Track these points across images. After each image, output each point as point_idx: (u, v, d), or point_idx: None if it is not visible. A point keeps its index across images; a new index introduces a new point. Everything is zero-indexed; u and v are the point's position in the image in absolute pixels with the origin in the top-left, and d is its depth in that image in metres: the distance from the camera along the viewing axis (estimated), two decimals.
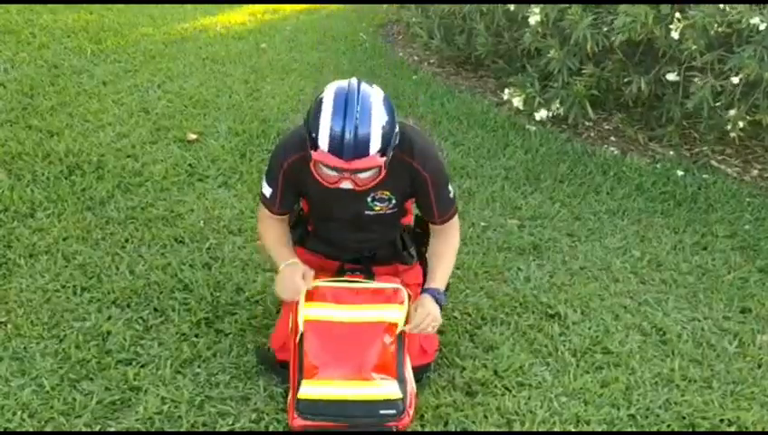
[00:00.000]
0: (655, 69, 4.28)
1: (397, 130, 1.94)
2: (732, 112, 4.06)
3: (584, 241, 3.25)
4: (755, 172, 4.18)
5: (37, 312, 2.52)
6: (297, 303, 2.12)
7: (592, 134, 4.56)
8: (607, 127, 4.67)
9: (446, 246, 2.24)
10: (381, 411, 1.98)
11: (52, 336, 2.41)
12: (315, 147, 1.90)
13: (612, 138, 4.54)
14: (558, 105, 4.52)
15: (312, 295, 2.06)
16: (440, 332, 2.48)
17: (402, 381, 2.04)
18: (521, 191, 3.65)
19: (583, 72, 4.43)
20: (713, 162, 4.24)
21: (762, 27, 3.76)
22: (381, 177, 1.97)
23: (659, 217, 3.52)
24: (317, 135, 1.89)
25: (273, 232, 2.23)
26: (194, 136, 3.97)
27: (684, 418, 2.22)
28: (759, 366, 2.48)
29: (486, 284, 2.86)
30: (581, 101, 4.51)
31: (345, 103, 1.86)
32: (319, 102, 1.92)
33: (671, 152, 4.33)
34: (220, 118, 4.22)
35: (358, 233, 2.26)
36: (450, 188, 2.21)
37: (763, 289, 2.97)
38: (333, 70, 5.17)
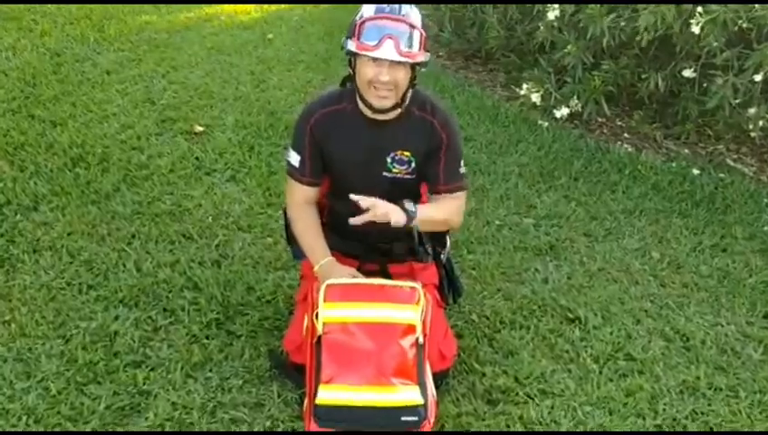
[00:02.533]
0: (671, 65, 4.19)
1: (428, 54, 2.00)
2: (752, 111, 3.98)
3: (601, 241, 3.18)
4: None
5: (42, 310, 2.44)
6: (313, 303, 2.04)
7: (605, 131, 4.47)
8: (620, 124, 4.58)
9: (441, 203, 2.17)
10: (403, 418, 1.91)
11: (58, 336, 2.33)
12: (360, 26, 1.93)
13: (626, 135, 4.45)
14: (576, 101, 4.43)
15: (329, 295, 1.98)
16: (458, 336, 2.41)
17: (423, 387, 1.97)
18: (535, 189, 3.57)
19: (602, 67, 4.35)
20: (728, 161, 4.16)
21: None
22: (419, 54, 1.95)
23: (677, 217, 3.44)
24: (361, 13, 1.96)
25: (303, 218, 2.19)
26: (200, 128, 3.87)
27: (711, 429, 2.15)
28: None
29: (503, 285, 2.79)
30: (597, 97, 4.42)
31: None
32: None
33: (686, 150, 4.25)
34: (227, 110, 4.13)
35: None
36: (462, 164, 2.19)
37: None
38: (341, 62, 5.07)
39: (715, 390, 2.32)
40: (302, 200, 2.18)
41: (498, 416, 2.13)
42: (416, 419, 1.91)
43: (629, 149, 4.19)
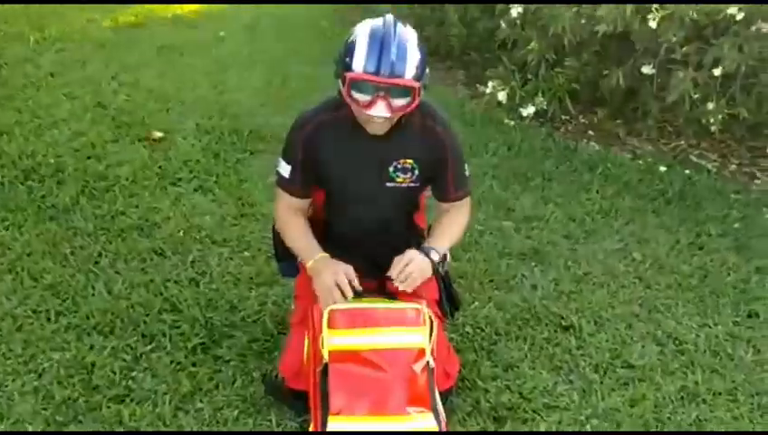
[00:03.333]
0: (630, 61, 4.22)
1: (427, 70, 1.89)
2: (710, 106, 4.04)
3: (583, 243, 3.16)
4: (733, 167, 4.18)
5: (8, 342, 2.24)
6: (316, 328, 1.93)
7: (571, 129, 4.48)
8: (584, 121, 4.59)
9: (453, 217, 2.12)
10: None
11: (30, 371, 2.14)
12: (350, 67, 1.81)
13: (590, 132, 4.47)
14: (542, 99, 4.42)
15: (334, 322, 1.86)
16: (457, 350, 2.33)
17: (436, 412, 1.88)
18: (510, 191, 3.53)
19: (565, 64, 4.34)
20: (692, 157, 4.22)
21: (739, 17, 3.75)
22: (413, 107, 1.86)
23: (652, 215, 3.46)
24: (353, 54, 1.81)
25: (295, 227, 2.05)
26: (159, 134, 3.68)
27: None
28: None
29: (494, 293, 2.72)
30: (561, 94, 4.42)
31: (383, 29, 1.81)
32: (353, 32, 1.86)
33: (650, 147, 4.29)
34: (185, 114, 3.94)
35: (374, 221, 2.10)
36: (466, 166, 2.13)
37: (765, 291, 2.93)
38: (301, 61, 4.93)
39: (714, 394, 2.32)
40: (292, 210, 2.06)
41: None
42: None
43: (596, 147, 4.20)
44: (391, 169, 2.01)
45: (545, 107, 4.38)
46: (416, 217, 2.20)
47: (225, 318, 2.42)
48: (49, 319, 2.35)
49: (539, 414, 2.16)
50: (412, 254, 1.96)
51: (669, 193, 3.67)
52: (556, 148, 4.05)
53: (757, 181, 4.05)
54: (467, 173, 2.12)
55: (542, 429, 2.08)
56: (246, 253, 2.82)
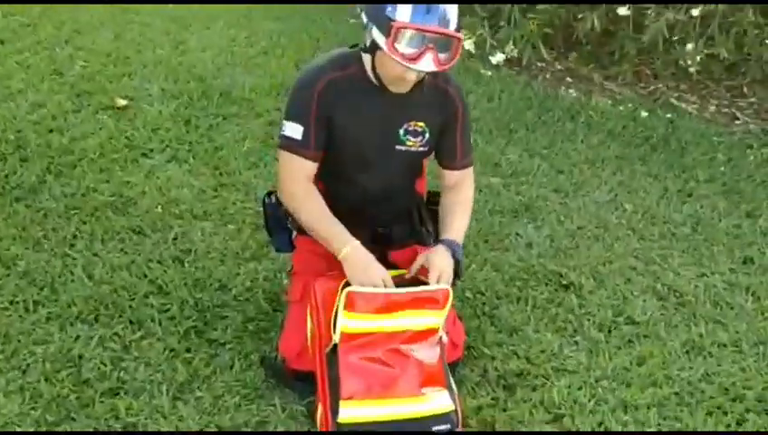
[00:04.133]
0: (605, 4, 4.12)
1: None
2: (689, 47, 3.98)
3: (573, 197, 3.10)
4: (713, 108, 4.15)
5: None
6: (320, 306, 1.83)
7: (548, 76, 4.39)
8: (560, 67, 4.50)
9: (462, 198, 2.04)
10: (435, 428, 1.75)
11: (13, 368, 2.00)
12: (393, 16, 1.68)
13: (568, 78, 4.38)
14: (512, 46, 4.30)
15: (351, 304, 1.76)
16: (459, 317, 2.26)
17: (450, 389, 1.82)
18: (495, 145, 3.43)
19: (537, 8, 4.21)
20: (672, 100, 4.17)
21: None
22: (455, 62, 1.76)
23: (638, 164, 3.41)
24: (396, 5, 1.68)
25: (315, 205, 1.89)
26: (123, 102, 3.47)
27: (727, 390, 2.12)
28: None
29: (489, 254, 2.65)
30: (534, 41, 4.31)
31: None
32: None
33: (629, 92, 4.23)
34: (149, 78, 3.72)
35: (379, 187, 1.98)
36: (471, 132, 2.06)
37: (756, 235, 2.92)
38: (265, 16, 4.70)
39: (719, 346, 2.30)
40: (306, 178, 1.90)
41: (519, 404, 2.01)
42: (447, 426, 1.76)
43: (575, 94, 4.12)
44: (401, 131, 1.90)
45: (516, 54, 4.26)
46: (417, 182, 2.09)
47: (216, 298, 2.31)
48: (27, 309, 2.20)
49: (548, 379, 2.11)
50: (440, 264, 1.85)
51: (654, 139, 3.62)
52: (536, 97, 3.96)
53: (738, 122, 4.03)
54: (471, 140, 2.03)
55: (554, 396, 2.03)
56: (230, 226, 2.68)
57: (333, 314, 1.75)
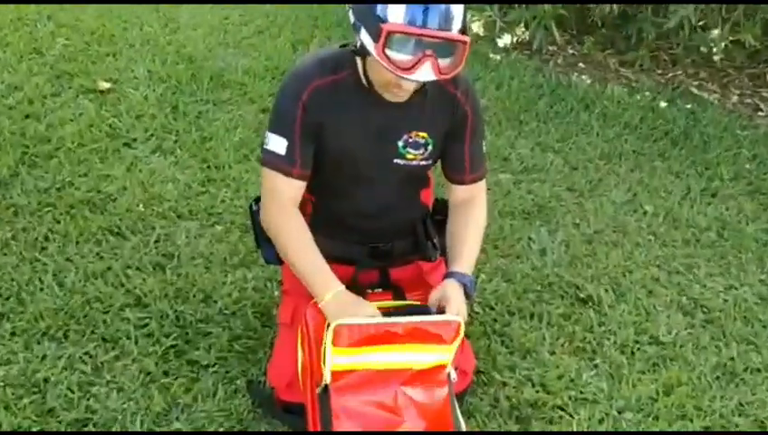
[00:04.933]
0: None
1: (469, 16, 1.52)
2: (715, 32, 3.73)
3: (588, 196, 2.87)
4: (735, 98, 3.91)
5: None
6: (311, 337, 1.61)
7: (560, 61, 4.13)
8: (572, 52, 4.24)
9: (473, 218, 1.78)
10: None
11: None
12: (384, 17, 1.43)
13: (581, 64, 4.13)
14: (523, 29, 4.04)
15: (340, 338, 1.53)
16: (467, 335, 2.04)
17: (459, 431, 1.61)
18: (505, 138, 3.20)
19: None
20: (692, 89, 3.93)
21: None
22: (459, 69, 1.51)
23: (658, 160, 3.18)
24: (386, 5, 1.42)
25: (296, 237, 1.64)
26: (107, 85, 3.23)
27: (763, 424, 1.92)
28: None
29: (500, 262, 2.44)
30: (547, 22, 4.04)
31: None
32: None
33: (644, 78, 3.98)
34: (135, 58, 3.47)
35: (376, 204, 1.76)
36: (484, 141, 1.80)
37: None
38: None
39: (752, 372, 2.10)
40: (290, 202, 1.66)
41: None
42: None
43: (589, 81, 3.88)
44: (401, 143, 1.66)
45: (527, 37, 4.01)
46: (422, 194, 1.86)
47: (199, 312, 2.09)
48: None
49: (565, 410, 1.91)
50: (454, 303, 1.61)
51: (674, 132, 3.39)
52: (548, 85, 3.70)
53: (761, 113, 3.79)
54: (485, 150, 1.79)
55: (573, 427, 1.83)
56: (218, 227, 2.46)
57: (323, 349, 1.53)
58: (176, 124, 2.99)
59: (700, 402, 1.97)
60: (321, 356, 1.56)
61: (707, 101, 3.77)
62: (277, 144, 1.63)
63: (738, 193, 3.00)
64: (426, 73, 1.45)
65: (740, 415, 1.95)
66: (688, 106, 3.66)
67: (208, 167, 2.77)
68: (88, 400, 1.81)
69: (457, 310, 1.58)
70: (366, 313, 1.54)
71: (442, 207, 1.88)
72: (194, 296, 2.14)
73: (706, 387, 2.02)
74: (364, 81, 1.61)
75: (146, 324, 2.03)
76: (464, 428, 1.63)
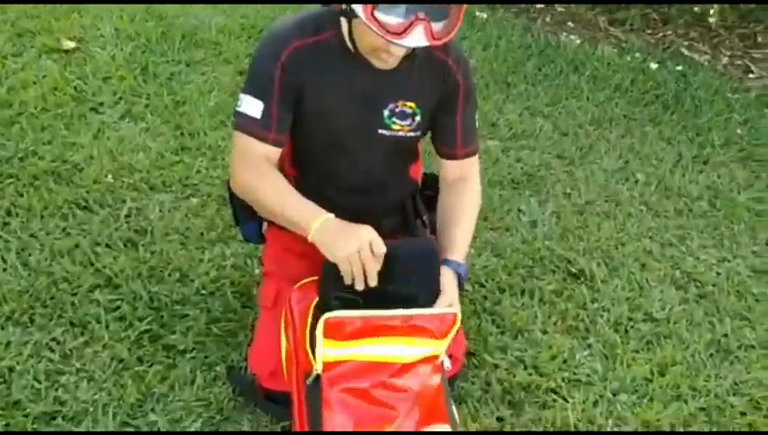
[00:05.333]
0: None
1: None
2: None
3: (579, 164, 2.78)
4: (725, 59, 3.81)
5: None
6: (296, 324, 1.52)
7: (548, 19, 3.98)
8: (560, 9, 4.09)
9: (466, 200, 1.68)
10: None
11: None
12: None
13: (570, 23, 3.99)
14: None
15: (332, 331, 1.43)
16: None
17: (453, 421, 1.53)
18: (493, 102, 3.08)
19: None
20: (682, 50, 3.82)
21: None
22: (453, 34, 1.39)
23: (649, 125, 3.09)
24: None
25: (272, 184, 1.52)
26: (71, 44, 3.03)
27: (759, 405, 1.88)
28: None
29: (489, 236, 2.34)
30: None
31: None
32: None
33: (635, 38, 3.86)
34: (101, 15, 3.26)
35: (360, 178, 1.65)
36: (477, 112, 1.69)
37: None
38: None
39: (746, 349, 2.05)
40: (262, 161, 1.54)
41: (529, 428, 1.74)
42: None
43: (578, 41, 3.75)
44: (386, 112, 1.55)
45: None
46: (411, 168, 1.75)
47: (175, 292, 1.98)
48: None
49: (558, 393, 1.84)
50: (449, 294, 1.50)
51: (665, 96, 3.29)
52: (536, 45, 3.57)
53: (751, 75, 3.71)
54: (477, 123, 1.68)
55: (567, 415, 1.76)
56: (193, 199, 2.33)
57: (311, 339, 1.43)
58: (146, 87, 2.82)
59: (695, 382, 1.91)
60: (306, 344, 1.47)
61: (698, 62, 3.67)
62: (252, 107, 1.51)
63: (730, 160, 2.92)
64: (418, 38, 1.33)
65: (735, 394, 1.89)
66: (679, 68, 3.56)
67: (182, 134, 2.62)
68: (56, 390, 1.70)
69: (450, 301, 1.49)
70: (361, 235, 1.40)
71: (432, 182, 1.77)
72: (169, 275, 2.03)
73: (701, 366, 1.97)
74: (349, 44, 1.48)
75: (117, 307, 1.91)
76: (457, 418, 1.56)
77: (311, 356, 1.45)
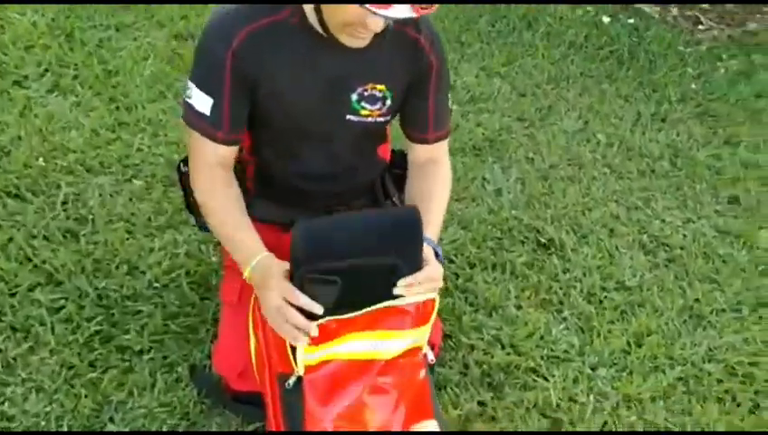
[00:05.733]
0: None
1: None
2: None
3: (539, 127, 2.70)
4: (675, 11, 3.78)
5: None
6: (266, 324, 1.40)
7: None
8: None
9: (438, 185, 1.56)
10: None
11: None
12: None
13: None
14: None
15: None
16: None
17: (438, 416, 1.45)
18: (448, 63, 2.94)
19: None
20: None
21: None
22: (436, 7, 1.23)
23: (606, 83, 3.04)
24: None
25: (220, 198, 1.41)
26: None
27: (734, 370, 1.87)
28: None
29: (455, 207, 2.25)
30: None
31: None
32: None
33: None
34: None
35: (328, 166, 1.53)
36: (449, 93, 1.57)
37: (738, 168, 2.65)
38: None
39: (717, 313, 2.04)
40: (214, 165, 1.42)
41: (512, 410, 1.68)
42: None
43: None
44: (354, 96, 1.41)
45: None
46: (380, 149, 1.63)
47: (125, 287, 1.82)
48: None
49: (538, 372, 1.79)
50: (433, 268, 1.36)
51: (620, 51, 3.24)
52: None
53: (701, 27, 3.69)
54: (450, 104, 1.56)
55: (549, 395, 1.71)
56: (136, 181, 2.15)
57: (292, 347, 1.32)
58: (73, 56, 2.58)
59: (671, 351, 1.89)
60: (282, 346, 1.35)
61: (648, 14, 3.62)
62: (201, 102, 1.36)
63: (687, 117, 2.90)
64: (402, 9, 1.19)
65: (710, 361, 1.88)
66: (631, 21, 3.51)
67: (117, 108, 2.41)
68: (2, 404, 1.54)
69: (436, 272, 1.35)
70: (270, 301, 1.29)
71: (400, 160, 1.66)
72: (116, 268, 1.86)
73: (675, 334, 1.95)
74: (313, 21, 1.33)
75: (62, 307, 1.75)
76: (439, 406, 1.48)
77: (292, 361, 1.33)
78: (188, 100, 1.38)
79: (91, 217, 2.00)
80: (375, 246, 1.31)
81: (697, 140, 2.77)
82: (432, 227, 1.48)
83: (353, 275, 1.28)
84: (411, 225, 1.33)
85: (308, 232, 1.29)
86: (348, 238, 1.31)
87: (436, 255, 1.44)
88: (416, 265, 1.33)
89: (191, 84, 1.37)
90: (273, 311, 1.29)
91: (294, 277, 1.30)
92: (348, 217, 1.45)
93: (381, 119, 1.46)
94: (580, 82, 2.99)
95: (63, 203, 2.03)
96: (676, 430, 1.69)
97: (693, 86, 3.10)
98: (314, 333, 1.26)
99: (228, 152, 1.42)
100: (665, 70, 3.15)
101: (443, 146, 1.57)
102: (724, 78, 3.19)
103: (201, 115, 1.37)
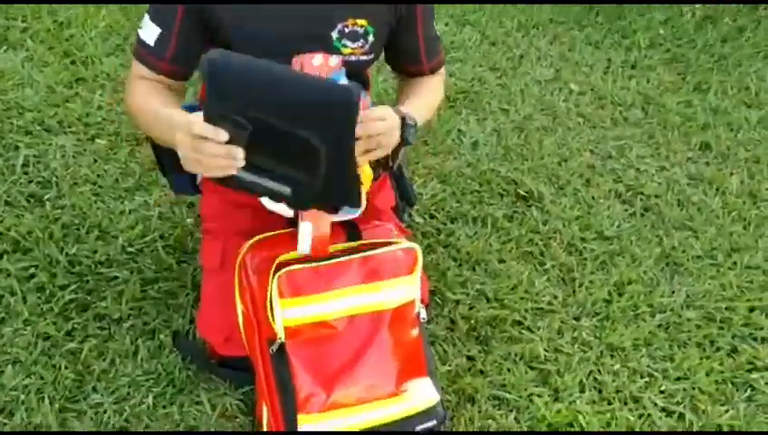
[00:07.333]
0: None
1: None
2: None
3: (512, 76, 2.67)
4: None
5: None
6: (253, 286, 1.36)
7: None
8: None
9: (429, 91, 1.53)
10: (419, 428, 1.39)
11: None
12: None
13: None
14: None
15: (286, 288, 1.29)
16: None
17: (432, 374, 1.45)
18: None
19: None
20: None
21: None
22: None
23: (576, 29, 3.00)
24: None
25: (151, 103, 1.30)
26: None
27: (712, 316, 1.90)
28: (748, 223, 2.21)
29: (433, 162, 2.22)
30: None
31: None
32: None
33: None
34: None
35: None
36: (434, 20, 1.52)
37: (708, 114, 2.66)
38: None
39: (694, 260, 2.06)
40: (149, 79, 1.34)
41: (500, 363, 1.69)
42: (433, 422, 1.41)
43: None
44: (335, 34, 1.35)
45: None
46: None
47: (98, 252, 1.75)
48: None
49: (524, 324, 1.79)
50: (384, 111, 1.27)
51: None
52: None
53: None
54: (438, 32, 1.52)
55: (535, 348, 1.72)
56: (99, 141, 2.05)
57: (269, 302, 1.29)
58: (20, 7, 2.43)
59: (651, 299, 1.91)
60: (271, 314, 1.32)
61: None
62: (149, 32, 1.31)
63: (657, 63, 2.90)
64: None
65: (689, 307, 1.91)
66: None
67: (73, 63, 2.29)
68: None
69: (383, 117, 1.24)
70: (178, 140, 1.12)
71: None
72: (87, 233, 1.79)
73: (654, 282, 1.97)
74: None
75: (32, 275, 1.67)
76: (435, 367, 1.48)
77: (272, 322, 1.30)
78: (139, 33, 1.33)
79: (54, 179, 1.90)
80: (294, 114, 1.10)
81: (667, 87, 2.77)
82: (412, 107, 1.39)
83: (263, 133, 1.09)
84: (344, 105, 1.11)
85: (225, 67, 1.08)
86: (267, 91, 1.09)
87: (404, 121, 1.31)
88: (341, 150, 1.15)
89: (145, 16, 1.32)
90: (189, 150, 1.11)
91: (205, 113, 1.10)
92: (279, 68, 1.12)
93: (364, 57, 1.40)
94: (551, 30, 2.96)
95: (24, 165, 1.93)
96: (658, 375, 1.72)
97: (661, 31, 3.09)
98: (240, 155, 1.09)
99: (166, 84, 1.35)
100: (633, 16, 3.13)
101: (438, 75, 1.56)
102: (691, 23, 3.18)
103: (146, 45, 1.32)
